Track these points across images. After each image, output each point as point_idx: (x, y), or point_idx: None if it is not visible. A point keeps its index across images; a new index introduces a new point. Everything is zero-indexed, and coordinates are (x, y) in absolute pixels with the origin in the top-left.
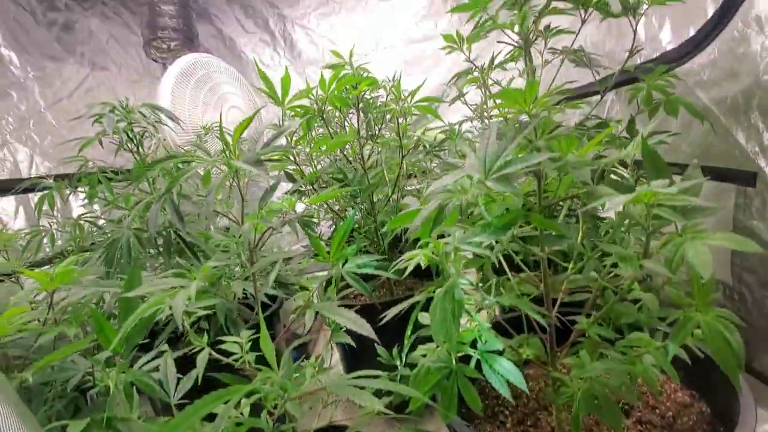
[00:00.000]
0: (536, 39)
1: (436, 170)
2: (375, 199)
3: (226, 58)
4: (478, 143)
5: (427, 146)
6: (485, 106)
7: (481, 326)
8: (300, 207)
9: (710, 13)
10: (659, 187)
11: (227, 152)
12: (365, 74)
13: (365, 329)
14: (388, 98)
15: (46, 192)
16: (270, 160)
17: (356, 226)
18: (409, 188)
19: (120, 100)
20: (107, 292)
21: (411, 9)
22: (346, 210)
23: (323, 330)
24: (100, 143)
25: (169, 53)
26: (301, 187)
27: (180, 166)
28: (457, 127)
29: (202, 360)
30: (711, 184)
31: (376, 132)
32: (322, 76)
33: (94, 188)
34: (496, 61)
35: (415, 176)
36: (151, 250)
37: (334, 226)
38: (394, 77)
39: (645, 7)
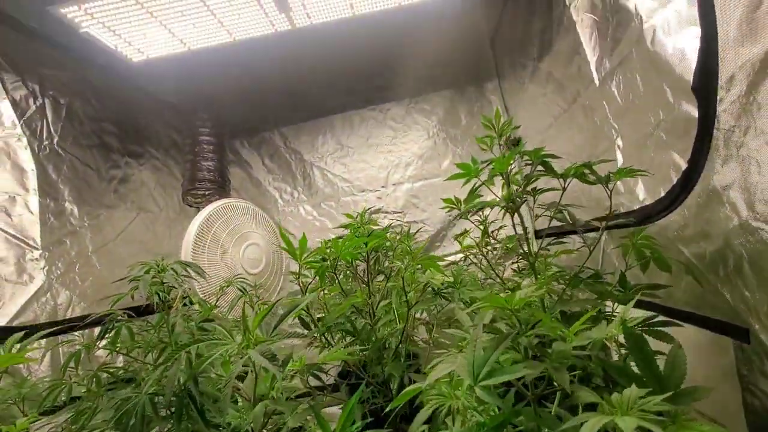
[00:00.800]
0: (525, 200)
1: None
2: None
3: (254, 196)
4: (468, 342)
5: (435, 289)
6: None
7: None
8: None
9: (674, 179)
10: (633, 398)
11: (247, 337)
12: (375, 211)
13: None
14: (396, 249)
15: (71, 353)
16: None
17: (364, 374)
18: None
19: (156, 259)
20: None
21: (417, 151)
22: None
23: None
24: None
25: (203, 199)
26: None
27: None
28: (461, 261)
29: None
30: (711, 333)
31: (385, 280)
32: (336, 239)
33: (116, 338)
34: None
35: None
36: (163, 412)
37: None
38: (401, 231)
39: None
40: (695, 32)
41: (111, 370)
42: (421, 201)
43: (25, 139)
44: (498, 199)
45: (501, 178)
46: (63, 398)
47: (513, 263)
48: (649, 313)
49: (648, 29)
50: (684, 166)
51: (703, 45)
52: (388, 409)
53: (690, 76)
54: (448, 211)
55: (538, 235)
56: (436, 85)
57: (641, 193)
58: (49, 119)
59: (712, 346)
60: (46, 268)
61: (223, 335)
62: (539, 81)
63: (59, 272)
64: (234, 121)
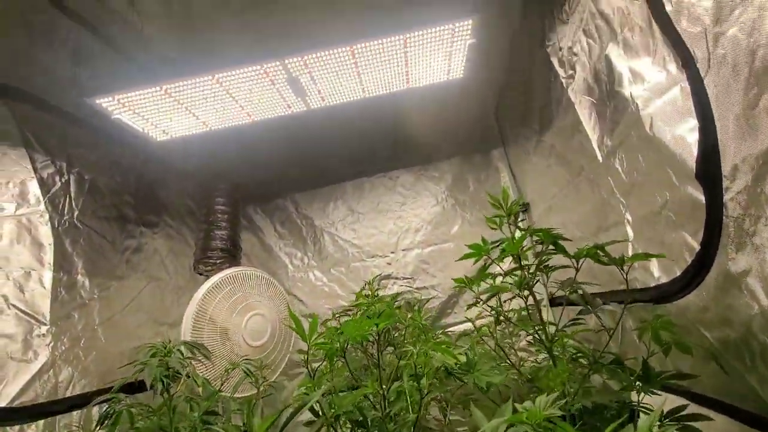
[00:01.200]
0: (538, 280)
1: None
2: None
3: (264, 261)
4: None
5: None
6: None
7: None
8: None
9: (688, 259)
10: None
11: None
12: (384, 278)
13: None
14: (407, 331)
15: None
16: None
17: None
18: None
19: (164, 340)
20: None
21: (426, 217)
22: None
23: None
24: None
25: (214, 268)
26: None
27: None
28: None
29: None
30: (740, 425)
31: (394, 354)
32: (342, 324)
33: (114, 428)
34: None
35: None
36: None
37: None
38: (411, 298)
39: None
40: (693, 123)
41: None
42: (431, 266)
43: (47, 215)
44: (510, 284)
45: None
46: None
47: (528, 335)
48: (677, 402)
49: (645, 116)
50: (697, 248)
51: (702, 137)
52: None
53: (692, 163)
54: (456, 287)
55: (555, 302)
56: (444, 153)
57: (656, 270)
58: (72, 194)
59: None
60: (52, 344)
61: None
62: (543, 153)
63: (64, 348)
64: (249, 189)
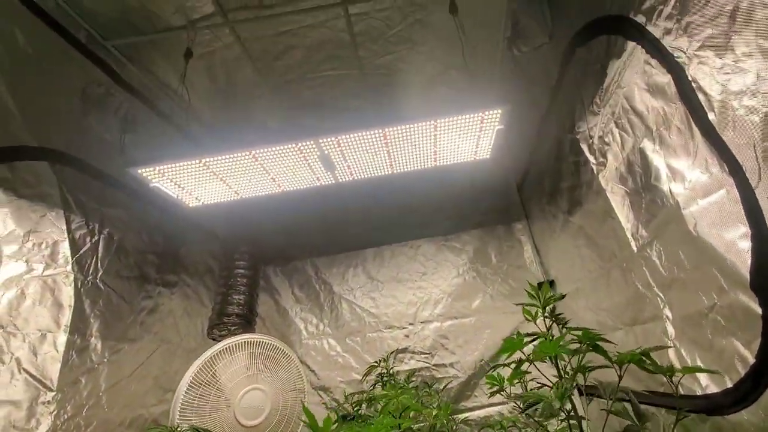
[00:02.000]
0: (575, 387)
1: None
2: None
3: (278, 326)
4: None
5: None
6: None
7: None
8: None
9: (741, 371)
10: None
11: None
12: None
13: None
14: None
15: None
16: None
17: None
18: None
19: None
20: None
21: (446, 288)
22: None
23: None
24: None
25: (228, 333)
26: None
27: None
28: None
29: None
30: None
31: None
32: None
33: None
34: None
35: None
36: None
37: None
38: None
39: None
40: (744, 230)
41: None
42: (450, 342)
43: (72, 275)
44: (547, 392)
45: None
46: None
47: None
48: None
49: (688, 215)
50: (751, 360)
51: (756, 246)
52: None
53: (745, 271)
54: (482, 361)
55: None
56: (466, 225)
57: (703, 378)
58: (100, 255)
59: None
60: (55, 412)
61: None
62: (571, 233)
63: (66, 416)
64: (270, 252)
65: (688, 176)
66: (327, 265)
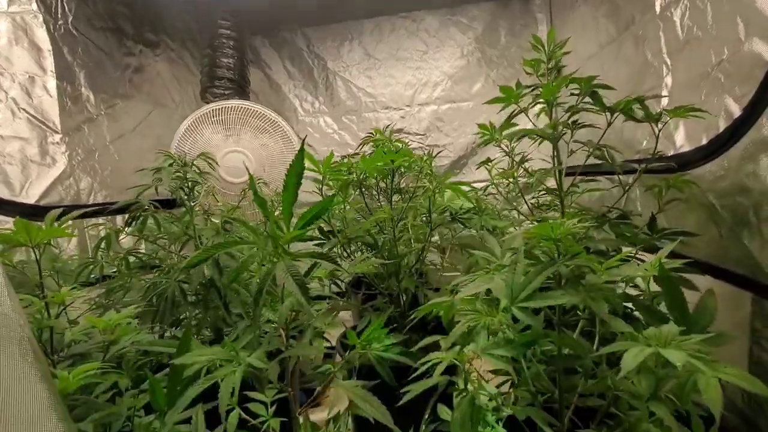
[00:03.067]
0: (564, 133)
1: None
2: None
3: (273, 101)
4: (507, 269)
5: (453, 213)
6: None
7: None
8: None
9: (722, 127)
10: (672, 334)
11: (277, 250)
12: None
13: (386, 418)
14: (422, 174)
15: (104, 235)
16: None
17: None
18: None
19: (179, 151)
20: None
21: (448, 70)
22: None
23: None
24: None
25: (222, 98)
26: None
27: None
28: (481, 192)
29: (232, 422)
30: (728, 286)
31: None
32: (364, 156)
33: (143, 226)
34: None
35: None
36: (191, 298)
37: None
38: (429, 153)
39: (667, 118)
40: None
41: (139, 255)
42: (446, 125)
43: (41, 16)
44: (537, 129)
45: (544, 107)
46: (93, 276)
47: (531, 198)
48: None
49: None
50: (738, 113)
51: None
52: (413, 318)
53: None
54: (479, 135)
55: (566, 172)
56: None
57: (680, 139)
58: None
59: (729, 299)
60: (67, 153)
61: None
62: (593, 0)
63: (80, 158)
64: (255, 17)
65: None
66: (320, 38)
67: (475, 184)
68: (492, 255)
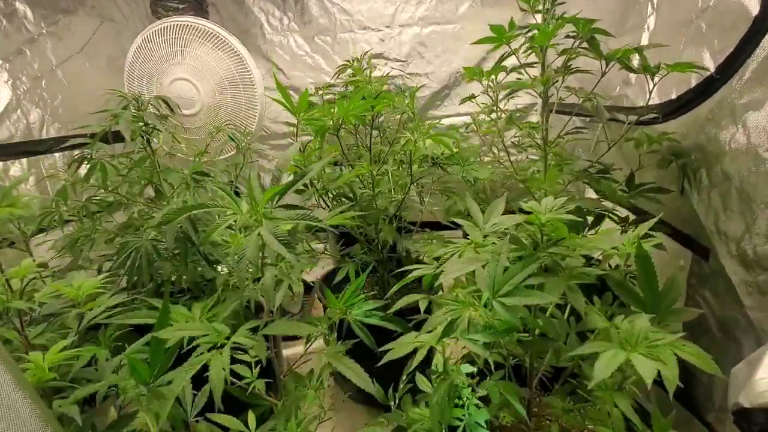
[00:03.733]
0: (555, 81)
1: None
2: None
3: (235, 16)
4: (490, 260)
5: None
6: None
7: (470, 400)
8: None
9: (693, 82)
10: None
11: (256, 212)
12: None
13: (367, 385)
14: (403, 116)
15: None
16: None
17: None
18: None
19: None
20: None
21: None
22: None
23: (315, 309)
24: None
25: (175, 14)
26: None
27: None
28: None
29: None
30: (673, 242)
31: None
32: (342, 101)
33: (95, 172)
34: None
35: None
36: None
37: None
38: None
39: (664, 72)
40: None
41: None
42: (428, 51)
43: None
44: (530, 80)
45: (536, 49)
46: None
47: (514, 137)
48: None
49: None
50: (712, 69)
51: None
52: (397, 286)
53: None
54: (457, 73)
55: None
56: None
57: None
58: None
59: (673, 254)
60: (10, 81)
61: (227, 202)
62: None
63: (25, 88)
64: None
65: None
66: None
67: (457, 117)
68: (475, 225)
